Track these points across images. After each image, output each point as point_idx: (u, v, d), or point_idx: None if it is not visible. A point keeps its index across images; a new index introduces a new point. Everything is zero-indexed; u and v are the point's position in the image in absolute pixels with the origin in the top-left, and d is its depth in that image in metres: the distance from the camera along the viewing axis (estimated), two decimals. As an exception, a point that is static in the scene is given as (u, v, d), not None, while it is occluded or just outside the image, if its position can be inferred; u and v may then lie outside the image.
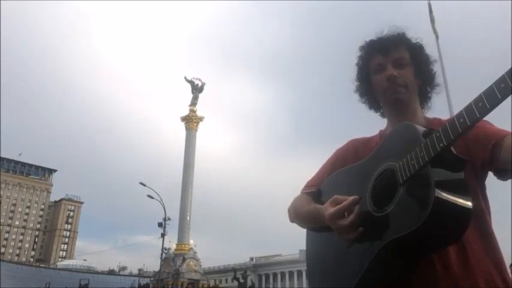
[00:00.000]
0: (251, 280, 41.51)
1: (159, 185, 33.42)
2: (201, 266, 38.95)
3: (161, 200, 27.58)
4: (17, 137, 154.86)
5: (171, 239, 37.95)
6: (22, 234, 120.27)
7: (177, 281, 34.98)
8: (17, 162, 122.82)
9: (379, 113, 1.49)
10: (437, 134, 0.99)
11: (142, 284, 45.97)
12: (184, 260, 36.55)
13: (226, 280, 64.26)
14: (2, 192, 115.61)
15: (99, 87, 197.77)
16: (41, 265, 73.97)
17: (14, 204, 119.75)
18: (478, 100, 0.91)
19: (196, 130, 43.59)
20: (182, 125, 43.70)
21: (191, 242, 39.20)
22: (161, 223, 28.18)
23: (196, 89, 44.90)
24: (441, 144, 0.98)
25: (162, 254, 30.17)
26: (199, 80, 45.38)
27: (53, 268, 66.53)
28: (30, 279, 50.03)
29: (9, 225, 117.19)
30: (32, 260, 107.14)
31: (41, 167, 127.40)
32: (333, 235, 1.22)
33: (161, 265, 31.24)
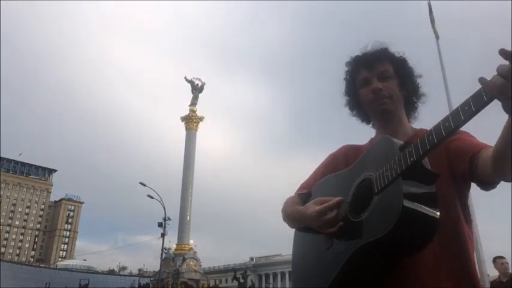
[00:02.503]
0: (251, 280, 41.51)
1: (159, 185, 33.39)
2: (201, 266, 38.87)
3: (161, 200, 27.57)
4: (17, 137, 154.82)
5: (171, 239, 37.99)
6: (22, 234, 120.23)
7: (177, 281, 34.95)
8: (17, 162, 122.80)
9: (370, 125, 1.55)
10: (410, 149, 1.07)
11: (142, 284, 45.95)
12: (184, 260, 36.48)
13: (226, 280, 64.27)
14: (2, 192, 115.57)
15: (99, 87, 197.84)
16: (41, 265, 73.93)
17: (14, 204, 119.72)
18: (446, 120, 1.00)
19: (196, 130, 43.50)
20: (182, 125, 43.65)
21: (191, 242, 39.11)
22: (161, 223, 28.14)
23: (196, 89, 44.78)
24: (411, 159, 1.06)
25: (162, 254, 30.15)
26: (199, 80, 45.29)
27: (53, 268, 66.56)
28: (30, 279, 50.03)
29: (9, 225, 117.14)
30: (32, 260, 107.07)
31: (41, 167, 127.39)
32: (315, 236, 1.33)
33: (161, 265, 31.21)
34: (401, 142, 1.15)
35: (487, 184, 1.17)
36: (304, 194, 1.51)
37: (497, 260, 6.13)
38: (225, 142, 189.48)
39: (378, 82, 1.42)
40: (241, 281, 37.73)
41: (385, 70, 1.43)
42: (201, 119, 43.94)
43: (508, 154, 0.99)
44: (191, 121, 43.16)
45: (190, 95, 44.73)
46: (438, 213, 1.07)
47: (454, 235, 1.25)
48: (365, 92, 1.45)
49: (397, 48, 1.47)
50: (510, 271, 6.06)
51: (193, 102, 44.31)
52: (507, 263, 6.05)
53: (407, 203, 1.04)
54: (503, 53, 0.86)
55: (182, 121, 43.66)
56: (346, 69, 1.52)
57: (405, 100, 1.48)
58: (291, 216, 1.47)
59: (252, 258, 77.77)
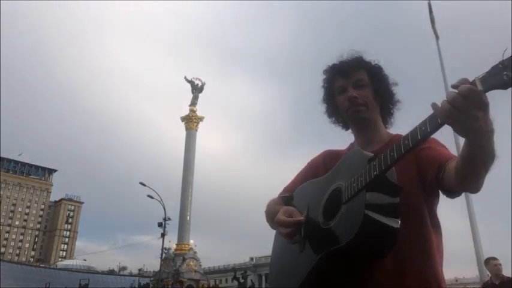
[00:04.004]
0: (251, 280, 41.43)
1: (159, 185, 33.36)
2: (201, 266, 38.84)
3: (161, 200, 27.58)
4: (17, 137, 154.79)
5: (171, 239, 37.94)
6: (22, 234, 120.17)
7: (176, 281, 34.93)
8: (17, 162, 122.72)
9: (350, 131, 1.59)
10: (374, 163, 1.15)
11: (142, 284, 45.88)
12: (184, 260, 36.47)
13: (226, 280, 64.18)
14: (2, 192, 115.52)
15: (99, 87, 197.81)
16: (41, 265, 73.93)
17: (14, 204, 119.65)
18: (405, 138, 1.07)
19: (196, 130, 43.47)
20: (182, 125, 43.63)
21: (191, 242, 39.08)
22: (161, 223, 28.15)
23: (196, 89, 44.74)
24: (375, 173, 1.14)
25: (162, 254, 30.16)
26: (199, 80, 45.24)
27: (53, 268, 66.60)
28: (30, 279, 50.05)
29: (9, 225, 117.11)
30: (32, 260, 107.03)
31: (41, 167, 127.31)
32: None
33: (161, 265, 31.23)
34: (371, 154, 1.22)
35: (453, 192, 1.23)
36: (286, 197, 1.57)
37: (491, 261, 5.95)
38: (225, 142, 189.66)
39: (353, 90, 1.47)
40: (241, 281, 37.66)
41: (360, 78, 1.48)
42: (201, 119, 43.92)
43: (466, 171, 1.07)
44: (191, 121, 43.13)
45: (190, 95, 44.74)
46: (399, 223, 1.14)
47: (420, 241, 1.31)
48: (341, 100, 1.50)
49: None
50: (503, 273, 5.91)
51: (193, 102, 44.27)
52: (500, 265, 5.85)
53: (369, 213, 1.11)
54: (455, 86, 0.94)
55: (182, 121, 43.64)
56: (324, 77, 1.57)
57: (381, 107, 1.53)
58: (272, 216, 1.52)
59: (252, 258, 77.58)
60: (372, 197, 1.14)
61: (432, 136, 1.08)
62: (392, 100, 1.53)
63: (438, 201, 1.39)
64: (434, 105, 0.98)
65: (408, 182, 1.27)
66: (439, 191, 1.32)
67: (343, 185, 1.25)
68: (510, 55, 0.88)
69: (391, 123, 1.56)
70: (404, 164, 1.19)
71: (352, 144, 1.59)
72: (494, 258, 5.97)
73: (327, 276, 1.25)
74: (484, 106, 0.92)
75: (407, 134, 1.08)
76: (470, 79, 0.94)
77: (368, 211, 1.12)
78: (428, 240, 1.32)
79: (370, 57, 1.53)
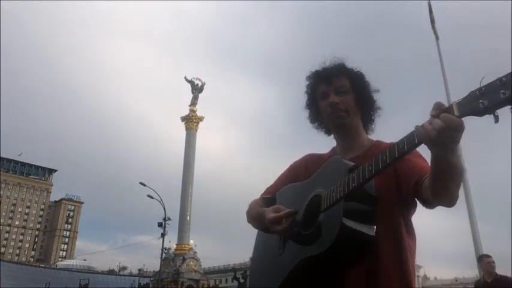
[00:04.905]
0: (251, 280, 41.34)
1: (159, 185, 33.34)
2: (201, 266, 38.91)
3: (161, 200, 27.56)
4: (17, 137, 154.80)
5: (171, 239, 37.98)
6: (22, 234, 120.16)
7: (176, 281, 34.94)
8: (17, 162, 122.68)
9: (332, 137, 1.62)
10: (353, 175, 1.21)
11: (142, 284, 45.87)
12: (184, 260, 36.53)
13: (226, 280, 64.15)
14: (2, 192, 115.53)
15: (99, 87, 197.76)
16: (41, 265, 73.95)
17: (14, 204, 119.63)
18: (383, 154, 1.14)
19: (196, 130, 43.53)
20: (182, 125, 43.68)
21: (191, 242, 39.15)
22: (161, 223, 28.13)
23: (196, 89, 44.81)
24: (353, 184, 1.20)
25: (162, 254, 30.16)
26: (199, 80, 45.33)
27: (53, 268, 66.59)
28: (30, 279, 50.01)
29: (9, 225, 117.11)
30: (32, 260, 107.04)
31: (41, 167, 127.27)
32: (272, 242, 1.47)
33: (161, 265, 31.23)
34: (351, 164, 1.28)
35: (431, 204, 1.27)
36: (269, 199, 1.61)
37: (484, 259, 5.79)
38: (225, 142, 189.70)
39: (335, 96, 1.50)
40: (241, 281, 37.62)
41: (342, 85, 1.51)
42: (201, 119, 43.98)
43: (437, 187, 1.15)
44: (191, 121, 43.18)
45: (190, 95, 44.79)
46: (374, 231, 1.21)
47: (394, 244, 1.37)
48: (323, 106, 1.53)
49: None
50: (496, 271, 5.81)
51: (193, 102, 44.34)
52: (493, 262, 5.67)
53: (346, 222, 1.18)
54: (435, 115, 1.01)
55: (182, 121, 43.70)
56: (307, 82, 1.60)
57: (362, 113, 1.56)
58: (255, 216, 1.55)
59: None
60: (349, 206, 1.21)
61: None
62: (373, 107, 1.56)
63: (414, 211, 1.45)
64: (417, 128, 1.05)
65: (385, 192, 1.35)
66: (416, 202, 1.38)
67: (323, 192, 1.30)
68: (487, 83, 0.91)
69: (372, 130, 1.60)
70: (382, 174, 1.25)
71: (333, 149, 1.63)
72: (488, 256, 5.83)
73: (304, 279, 1.31)
74: (462, 130, 1.00)
75: (385, 149, 1.14)
76: (453, 99, 1.01)
77: (345, 219, 1.18)
78: (402, 244, 1.38)
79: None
